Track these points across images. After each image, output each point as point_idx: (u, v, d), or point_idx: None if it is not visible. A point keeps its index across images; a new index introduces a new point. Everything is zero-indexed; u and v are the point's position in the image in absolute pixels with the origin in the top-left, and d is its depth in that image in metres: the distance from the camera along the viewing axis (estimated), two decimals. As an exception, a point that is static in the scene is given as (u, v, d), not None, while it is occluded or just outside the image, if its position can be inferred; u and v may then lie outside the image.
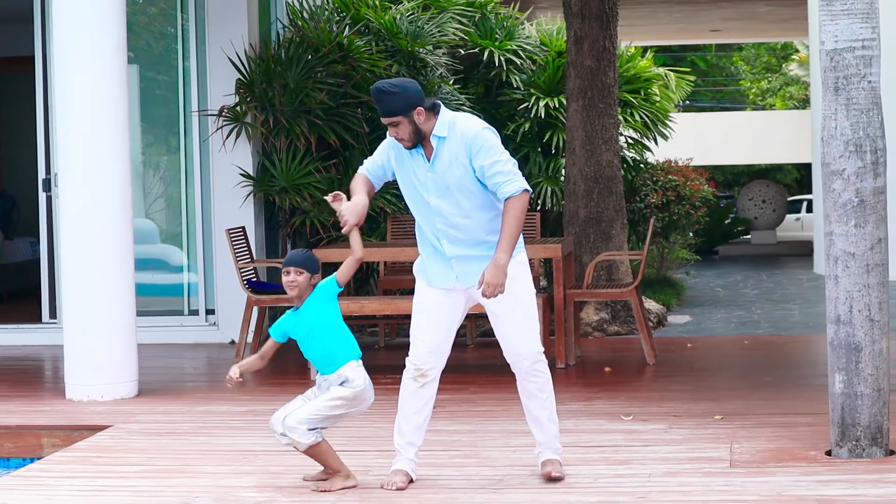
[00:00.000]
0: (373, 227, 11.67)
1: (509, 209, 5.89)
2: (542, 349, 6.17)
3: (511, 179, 5.90)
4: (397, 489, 6.10)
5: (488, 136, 5.96)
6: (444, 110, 6.01)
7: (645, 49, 31.91)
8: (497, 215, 6.02)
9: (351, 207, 5.96)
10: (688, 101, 38.09)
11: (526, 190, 5.92)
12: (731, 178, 39.53)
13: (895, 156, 15.22)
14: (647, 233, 14.09)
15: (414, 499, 6.02)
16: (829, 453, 6.69)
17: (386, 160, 6.16)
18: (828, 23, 6.62)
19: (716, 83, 42.74)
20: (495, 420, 7.78)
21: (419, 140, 5.97)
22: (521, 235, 6.02)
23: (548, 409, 6.22)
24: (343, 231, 5.99)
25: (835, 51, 6.60)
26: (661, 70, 22.85)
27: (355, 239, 6.04)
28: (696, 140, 29.50)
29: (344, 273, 6.06)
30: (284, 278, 6.03)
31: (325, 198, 6.10)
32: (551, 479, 6.16)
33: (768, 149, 31.78)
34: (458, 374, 9.53)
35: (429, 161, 5.99)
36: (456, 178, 5.96)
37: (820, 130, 6.73)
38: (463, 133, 5.93)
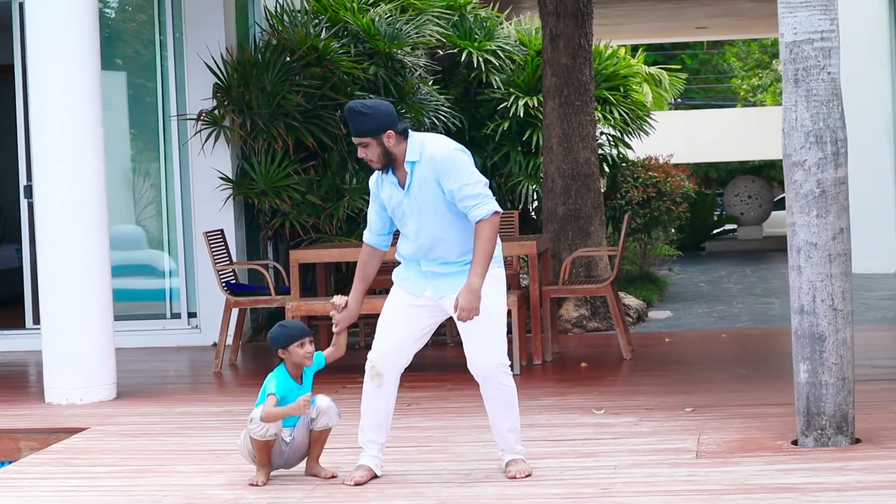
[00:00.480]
0: (352, 227, 11.72)
1: (480, 232, 5.94)
2: (507, 362, 6.16)
3: (480, 203, 5.94)
4: (355, 483, 6.17)
5: (458, 157, 5.99)
6: (412, 134, 6.05)
7: (635, 48, 31.93)
8: (466, 227, 6.06)
9: (345, 316, 6.19)
10: (679, 99, 38.18)
11: (496, 212, 5.97)
12: (725, 175, 39.57)
13: (856, 147, 15.46)
14: (629, 223, 14.19)
15: (380, 493, 6.07)
16: (795, 443, 6.74)
17: (378, 202, 6.21)
18: (787, 15, 6.67)
19: (708, 81, 42.80)
20: (467, 416, 7.82)
21: (389, 163, 6.02)
22: (500, 245, 6.08)
23: (509, 420, 6.25)
24: (334, 331, 6.22)
25: (794, 42, 6.66)
26: (654, 69, 22.89)
27: (343, 338, 6.29)
28: (689, 137, 29.56)
29: (329, 360, 6.31)
30: (301, 350, 6.16)
31: (330, 313, 6.22)
32: (513, 479, 6.20)
33: (761, 145, 31.84)
34: (436, 371, 9.60)
35: (403, 188, 6.05)
36: (429, 201, 6.00)
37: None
38: (432, 156, 5.97)
